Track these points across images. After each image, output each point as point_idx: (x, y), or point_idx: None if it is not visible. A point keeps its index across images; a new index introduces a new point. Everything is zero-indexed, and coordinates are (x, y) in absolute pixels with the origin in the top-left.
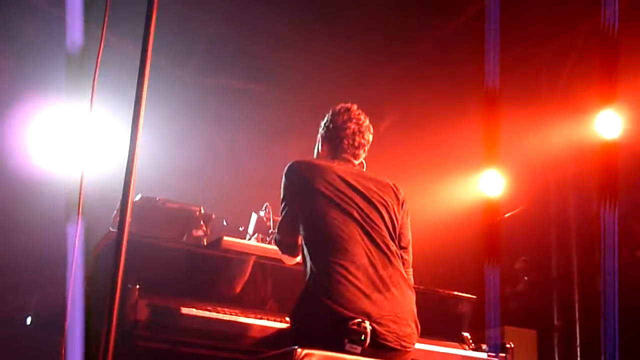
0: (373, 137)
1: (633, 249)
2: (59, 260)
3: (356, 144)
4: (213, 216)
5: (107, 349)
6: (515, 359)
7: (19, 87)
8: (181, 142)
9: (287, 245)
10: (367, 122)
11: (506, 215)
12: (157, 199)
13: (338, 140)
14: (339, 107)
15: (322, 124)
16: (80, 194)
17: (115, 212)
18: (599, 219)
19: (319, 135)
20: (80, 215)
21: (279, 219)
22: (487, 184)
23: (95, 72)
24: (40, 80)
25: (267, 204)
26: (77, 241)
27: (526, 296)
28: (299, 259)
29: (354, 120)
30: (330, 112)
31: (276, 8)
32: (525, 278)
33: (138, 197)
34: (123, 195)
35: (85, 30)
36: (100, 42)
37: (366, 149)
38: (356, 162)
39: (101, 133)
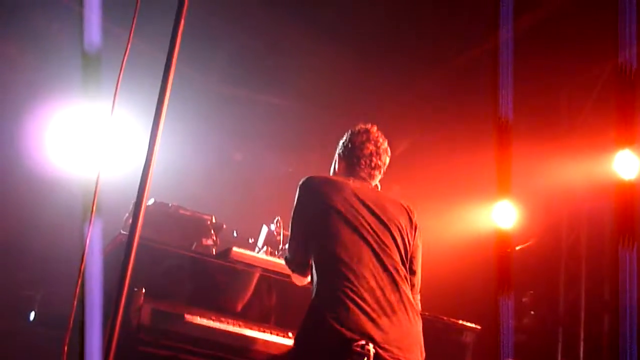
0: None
1: None
2: (73, 259)
3: (373, 164)
4: (224, 226)
5: (109, 352)
6: None
7: (39, 86)
8: (198, 150)
9: (298, 264)
10: (386, 144)
11: (517, 248)
12: (170, 205)
13: (355, 159)
14: (358, 127)
15: (341, 143)
16: (95, 194)
17: (127, 214)
18: (611, 257)
19: (336, 154)
20: (93, 215)
21: (290, 234)
22: (500, 215)
23: (120, 74)
24: (60, 79)
25: (279, 217)
26: (88, 240)
27: (532, 331)
28: (308, 279)
29: (372, 142)
30: (350, 132)
31: (302, 23)
32: (532, 312)
33: (151, 202)
34: (137, 198)
35: (105, 30)
36: (127, 44)
37: (382, 170)
38: (372, 183)
39: (120, 135)
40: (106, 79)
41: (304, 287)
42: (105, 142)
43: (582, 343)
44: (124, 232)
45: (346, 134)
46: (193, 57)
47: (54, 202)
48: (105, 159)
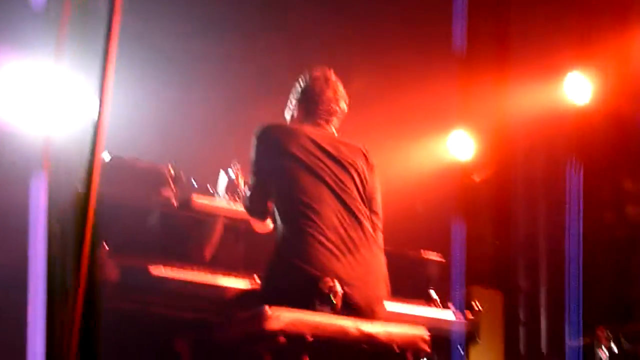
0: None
1: (599, 211)
2: (21, 217)
3: (331, 110)
4: (182, 176)
5: (75, 311)
6: (482, 319)
7: None
8: (150, 99)
9: (257, 211)
10: (343, 90)
11: (475, 177)
12: (125, 158)
13: (313, 105)
14: (316, 72)
15: (298, 87)
16: (45, 153)
17: (82, 171)
18: (565, 181)
19: (293, 99)
20: (44, 173)
21: (250, 183)
22: (457, 147)
23: (61, 27)
24: (5, 36)
25: (236, 162)
26: (40, 198)
27: (493, 258)
28: (271, 226)
29: (330, 87)
30: (307, 76)
31: None
32: (492, 240)
33: (106, 156)
34: (90, 154)
35: None
36: None
37: (340, 116)
38: (329, 129)
39: (69, 90)
40: (52, 34)
41: (268, 232)
42: (54, 97)
43: (542, 267)
44: (81, 190)
45: (302, 78)
46: (139, 5)
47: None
48: (55, 114)
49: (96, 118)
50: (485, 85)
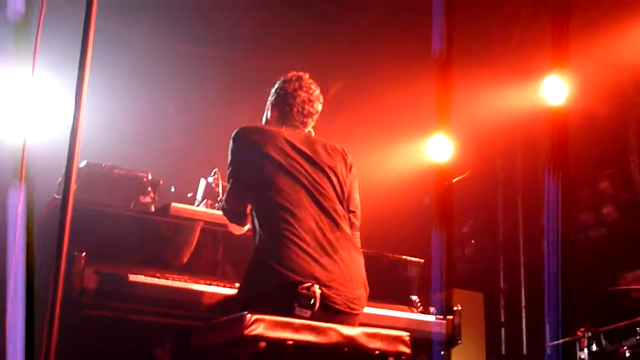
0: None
1: (576, 212)
2: None
3: (306, 112)
4: (161, 182)
5: (53, 318)
6: (463, 320)
7: None
8: (128, 107)
9: (236, 214)
10: (318, 91)
11: (454, 180)
12: (104, 165)
13: (288, 107)
14: (290, 74)
15: (273, 90)
16: (22, 159)
17: (60, 178)
18: (544, 184)
19: (268, 102)
20: (22, 182)
21: (227, 185)
22: (436, 149)
23: (38, 34)
24: None
25: (216, 169)
26: (19, 207)
27: (474, 259)
28: (246, 228)
29: (304, 89)
30: (282, 80)
31: None
32: (473, 242)
33: (84, 164)
34: (68, 161)
35: None
36: (42, 3)
37: (315, 118)
38: (304, 130)
39: (45, 98)
40: (29, 42)
41: (247, 237)
42: (30, 106)
43: (522, 268)
44: (59, 197)
45: (278, 82)
46: (116, 11)
47: None
48: (32, 122)
49: (73, 125)
50: (463, 88)
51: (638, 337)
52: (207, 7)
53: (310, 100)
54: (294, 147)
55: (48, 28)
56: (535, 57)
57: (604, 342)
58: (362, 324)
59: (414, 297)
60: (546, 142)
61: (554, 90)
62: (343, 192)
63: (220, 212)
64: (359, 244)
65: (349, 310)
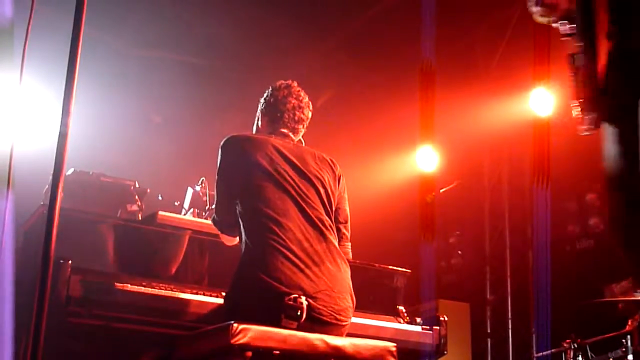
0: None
1: (563, 224)
2: None
3: (296, 118)
4: (148, 190)
5: (39, 326)
6: (449, 331)
7: None
8: (116, 115)
9: (227, 225)
10: (307, 99)
11: (441, 191)
12: (91, 173)
13: (278, 114)
14: (279, 83)
15: (262, 99)
16: (10, 167)
17: (47, 186)
18: (531, 196)
19: (258, 110)
20: (10, 190)
21: (215, 195)
22: (423, 160)
23: (25, 42)
24: None
25: (204, 178)
26: (6, 216)
27: (461, 270)
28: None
29: (294, 96)
30: (271, 88)
31: None
32: (459, 252)
33: (71, 171)
34: (55, 168)
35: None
36: (31, 11)
37: (305, 124)
38: (295, 138)
39: (33, 106)
40: (16, 49)
41: (234, 246)
42: (17, 113)
43: (508, 279)
44: (45, 204)
45: (267, 90)
46: (104, 20)
47: None
48: (19, 130)
49: (60, 133)
50: (451, 101)
51: (624, 349)
52: (193, 17)
53: (300, 107)
54: (282, 155)
55: (36, 36)
56: (520, 70)
57: (590, 353)
58: (348, 334)
59: (401, 308)
60: (533, 154)
61: (541, 102)
62: (330, 203)
63: (207, 221)
64: (349, 255)
65: (335, 321)
